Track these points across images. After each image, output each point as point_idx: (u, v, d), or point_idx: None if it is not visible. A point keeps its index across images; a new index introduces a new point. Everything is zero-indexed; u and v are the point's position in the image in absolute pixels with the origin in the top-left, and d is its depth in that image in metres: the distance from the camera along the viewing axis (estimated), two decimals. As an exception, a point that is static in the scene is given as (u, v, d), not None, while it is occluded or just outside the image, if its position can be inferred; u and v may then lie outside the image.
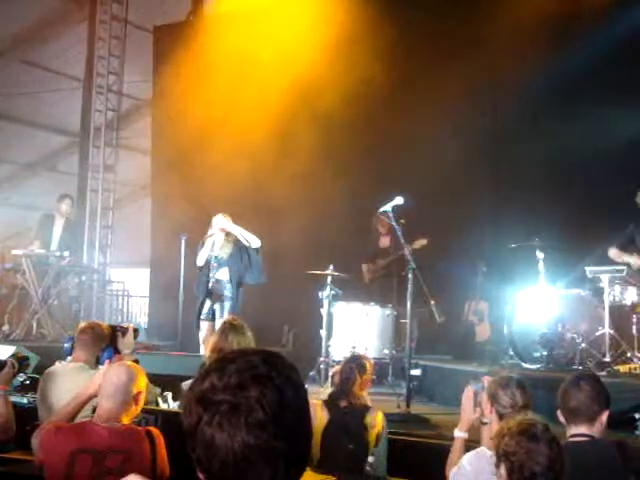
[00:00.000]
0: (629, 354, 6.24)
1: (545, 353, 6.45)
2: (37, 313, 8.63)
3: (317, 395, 4.80)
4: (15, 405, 4.01)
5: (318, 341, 7.34)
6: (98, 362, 4.13)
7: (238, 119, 9.43)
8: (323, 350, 7.18)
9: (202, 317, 7.14)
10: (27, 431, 3.69)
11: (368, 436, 3.97)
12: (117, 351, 4.29)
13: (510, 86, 8.06)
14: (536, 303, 6.82)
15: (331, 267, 7.25)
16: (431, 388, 6.89)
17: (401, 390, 6.17)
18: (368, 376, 4.27)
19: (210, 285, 7.13)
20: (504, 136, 8.61)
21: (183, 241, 7.90)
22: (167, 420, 4.23)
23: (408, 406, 5.62)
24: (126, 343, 4.38)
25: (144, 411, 3.68)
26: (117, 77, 12.32)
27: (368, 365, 4.28)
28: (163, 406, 4.90)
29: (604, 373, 5.82)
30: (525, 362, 6.64)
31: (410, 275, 5.78)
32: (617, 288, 6.50)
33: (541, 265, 6.77)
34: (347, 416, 4.03)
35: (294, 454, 1.30)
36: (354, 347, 6.80)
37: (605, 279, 6.39)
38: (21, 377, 4.50)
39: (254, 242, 7.18)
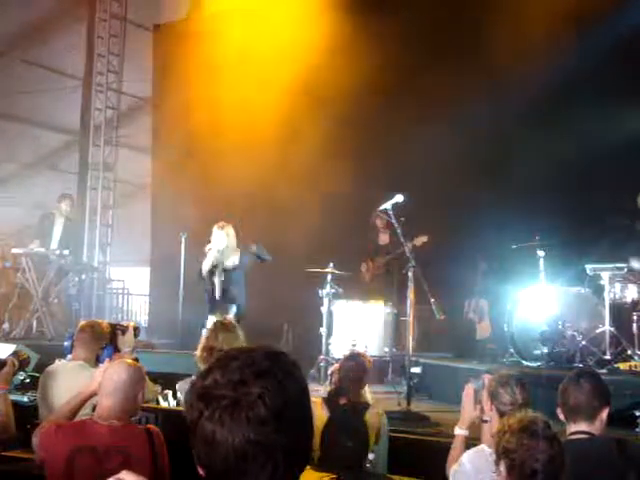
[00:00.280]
0: (629, 352, 6.25)
1: (545, 351, 6.46)
2: (37, 311, 8.64)
3: (317, 393, 4.80)
4: (16, 404, 4.01)
5: (318, 339, 7.34)
6: (98, 360, 4.14)
7: (238, 117, 9.42)
8: (323, 348, 7.18)
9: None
10: (28, 430, 3.69)
11: (368, 434, 3.96)
12: (117, 349, 4.30)
13: (510, 86, 8.05)
14: (536, 301, 6.82)
15: (331, 265, 7.24)
16: (431, 386, 6.89)
17: (401, 388, 6.18)
18: (367, 374, 4.27)
19: (217, 291, 7.11)
20: (504, 136, 8.60)
21: (183, 239, 7.89)
22: (167, 418, 4.23)
23: (408, 404, 5.63)
24: (126, 341, 4.38)
25: (144, 409, 3.69)
26: (117, 75, 12.32)
27: (367, 363, 4.28)
28: (163, 404, 4.90)
29: (604, 371, 5.81)
30: (525, 360, 6.64)
31: (410, 273, 5.78)
32: (617, 286, 6.51)
33: (541, 263, 6.77)
34: (347, 414, 4.03)
35: (295, 450, 1.29)
36: (354, 345, 6.80)
37: (605, 277, 6.39)
38: (21, 375, 4.51)
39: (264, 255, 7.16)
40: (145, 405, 3.77)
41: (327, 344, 7.21)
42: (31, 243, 8.96)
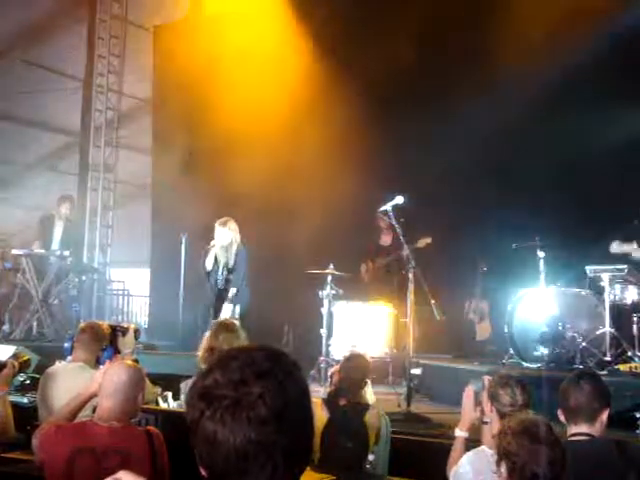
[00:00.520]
0: (629, 353, 6.24)
1: (546, 352, 6.45)
2: (37, 313, 8.63)
3: (317, 393, 4.80)
4: (15, 405, 4.01)
5: (318, 340, 7.34)
6: (98, 362, 4.14)
7: (239, 117, 9.41)
8: (323, 349, 7.17)
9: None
10: (28, 431, 3.69)
11: (368, 435, 3.96)
12: (117, 351, 4.29)
13: (511, 86, 8.05)
14: (537, 302, 6.82)
15: (331, 266, 7.24)
16: (431, 387, 6.88)
17: (401, 389, 6.17)
18: (367, 375, 4.27)
19: (219, 289, 7.12)
20: (504, 136, 8.60)
21: (183, 240, 7.89)
22: (167, 420, 4.23)
23: (408, 405, 5.63)
24: (126, 343, 4.38)
25: (144, 411, 3.68)
26: (117, 76, 12.32)
27: (367, 364, 4.28)
28: (163, 406, 4.89)
29: (605, 372, 5.81)
30: (525, 361, 6.64)
31: (410, 274, 5.78)
32: (617, 287, 6.50)
33: (542, 264, 6.77)
34: (347, 415, 4.03)
35: (296, 450, 1.30)
36: (354, 346, 6.79)
37: (606, 278, 6.39)
38: (21, 377, 4.51)
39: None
40: (145, 406, 3.77)
41: (327, 345, 7.21)
42: (31, 244, 8.96)
